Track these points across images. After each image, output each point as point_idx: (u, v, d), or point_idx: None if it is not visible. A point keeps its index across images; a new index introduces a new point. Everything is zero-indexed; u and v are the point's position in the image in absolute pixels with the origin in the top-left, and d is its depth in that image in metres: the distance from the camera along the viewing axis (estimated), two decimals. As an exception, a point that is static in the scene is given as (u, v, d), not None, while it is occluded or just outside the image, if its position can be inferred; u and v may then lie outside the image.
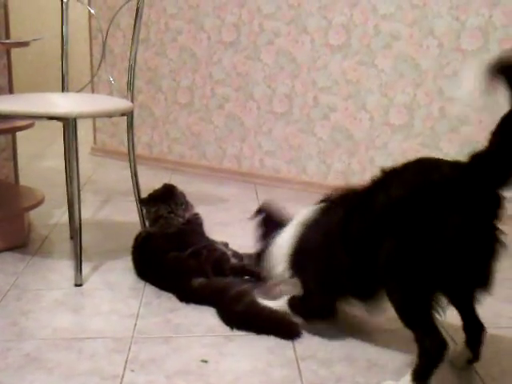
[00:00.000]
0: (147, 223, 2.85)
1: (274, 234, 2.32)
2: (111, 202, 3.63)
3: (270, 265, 2.32)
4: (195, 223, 2.77)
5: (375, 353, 2.08)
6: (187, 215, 2.78)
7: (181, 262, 2.50)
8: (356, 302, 2.10)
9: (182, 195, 2.86)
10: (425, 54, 3.43)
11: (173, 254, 2.52)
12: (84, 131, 4.61)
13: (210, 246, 2.61)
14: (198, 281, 2.44)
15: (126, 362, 2.03)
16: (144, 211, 2.89)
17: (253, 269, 2.56)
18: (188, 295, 2.44)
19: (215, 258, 2.53)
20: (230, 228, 3.20)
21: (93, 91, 4.66)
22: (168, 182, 2.93)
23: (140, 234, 2.74)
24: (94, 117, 3.12)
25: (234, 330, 2.23)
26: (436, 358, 1.79)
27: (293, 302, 2.25)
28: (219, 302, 2.35)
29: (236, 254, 2.68)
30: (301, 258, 2.20)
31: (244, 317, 2.26)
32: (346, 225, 2.00)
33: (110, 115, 2.74)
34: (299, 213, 2.29)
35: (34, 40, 3.03)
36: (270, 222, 2.41)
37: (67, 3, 3.01)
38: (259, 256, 2.40)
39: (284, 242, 2.26)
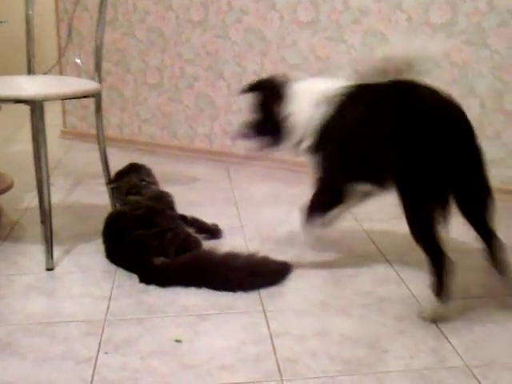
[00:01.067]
0: (118, 204, 2.85)
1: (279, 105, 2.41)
2: (82, 185, 3.61)
3: (292, 135, 2.40)
4: (166, 201, 2.78)
5: (348, 327, 2.09)
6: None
7: (143, 241, 2.49)
8: (365, 185, 2.34)
9: (149, 170, 2.92)
10: (394, 29, 3.42)
11: (137, 233, 2.51)
12: (53, 114, 4.57)
13: (176, 227, 2.59)
14: (161, 259, 2.43)
15: (100, 344, 2.02)
16: (114, 192, 2.88)
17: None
18: (149, 275, 2.43)
19: (180, 242, 2.52)
20: (202, 207, 3.18)
21: (61, 73, 4.60)
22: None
23: (111, 213, 2.74)
24: (60, 99, 3.09)
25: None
26: (444, 270, 2.12)
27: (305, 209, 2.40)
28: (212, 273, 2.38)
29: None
30: (328, 138, 2.32)
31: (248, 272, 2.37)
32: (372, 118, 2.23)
33: (76, 97, 2.71)
34: (312, 86, 2.42)
35: (1, 22, 2.99)
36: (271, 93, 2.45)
37: (31, -16, 2.96)
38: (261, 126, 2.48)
39: (312, 116, 2.34)
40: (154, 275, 2.41)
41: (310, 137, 2.35)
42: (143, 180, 2.82)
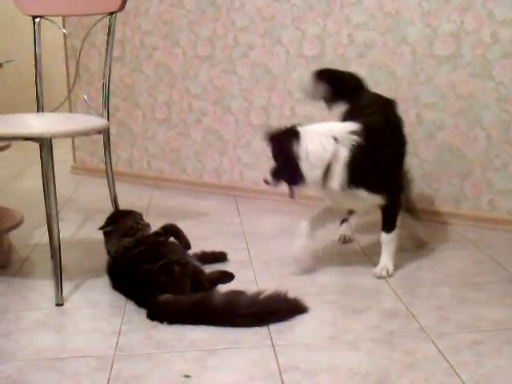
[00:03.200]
0: (110, 248, 2.80)
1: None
2: (91, 220, 3.62)
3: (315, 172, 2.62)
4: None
5: (357, 362, 2.08)
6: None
7: (150, 277, 2.50)
8: None
9: (141, 214, 2.93)
10: (399, 62, 3.45)
11: (143, 268, 2.52)
12: (63, 150, 4.61)
13: (181, 259, 2.60)
14: (165, 297, 2.43)
15: (109, 380, 2.02)
16: (108, 236, 2.83)
17: (225, 270, 2.73)
18: (155, 311, 2.43)
19: (191, 274, 2.53)
20: (210, 242, 3.19)
21: (70, 110, 4.65)
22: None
23: (116, 245, 2.75)
24: (68, 136, 3.11)
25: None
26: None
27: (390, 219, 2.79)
28: (229, 311, 2.36)
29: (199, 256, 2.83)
30: (368, 167, 2.64)
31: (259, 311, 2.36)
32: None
33: (85, 134, 2.74)
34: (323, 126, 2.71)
35: (7, 62, 3.03)
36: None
37: (39, 24, 3.00)
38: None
39: (333, 153, 2.60)
40: (160, 312, 2.41)
41: (340, 172, 2.61)
42: (139, 223, 2.82)
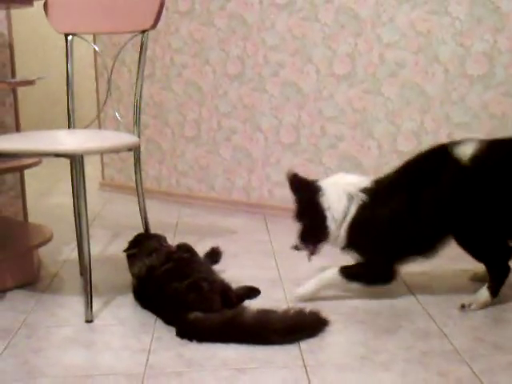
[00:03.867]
0: (133, 271, 2.81)
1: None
2: (120, 236, 3.62)
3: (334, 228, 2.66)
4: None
5: (390, 382, 2.05)
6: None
7: (179, 296, 2.48)
8: (416, 258, 2.65)
9: (165, 237, 2.94)
10: (431, 81, 3.43)
11: (172, 286, 2.51)
12: (92, 166, 4.63)
13: (209, 276, 2.59)
14: (195, 315, 2.41)
15: (139, 398, 2.01)
16: (131, 259, 2.84)
17: (252, 286, 2.75)
18: (185, 330, 2.41)
19: (220, 290, 2.52)
20: (239, 260, 3.18)
21: (100, 127, 4.68)
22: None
23: (141, 266, 2.74)
24: (100, 153, 3.12)
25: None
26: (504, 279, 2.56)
27: (350, 271, 2.63)
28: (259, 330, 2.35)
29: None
30: (365, 229, 2.63)
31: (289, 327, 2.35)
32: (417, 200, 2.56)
33: (116, 151, 2.74)
34: (339, 181, 2.72)
35: (39, 79, 3.05)
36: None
37: (72, 41, 3.02)
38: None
39: (343, 211, 2.64)
40: (191, 330, 2.39)
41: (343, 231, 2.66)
42: (162, 245, 2.84)
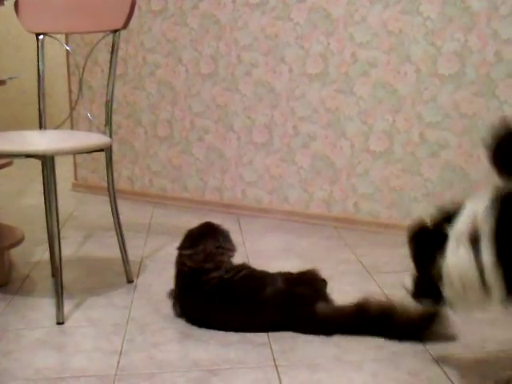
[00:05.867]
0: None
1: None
2: (93, 237, 3.60)
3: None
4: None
5: (362, 382, 2.06)
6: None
7: (283, 296, 2.42)
8: None
9: (227, 232, 2.68)
10: (402, 80, 3.44)
11: (269, 290, 2.43)
12: (65, 167, 4.60)
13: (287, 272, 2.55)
14: (322, 307, 2.40)
15: (110, 400, 2.00)
16: (186, 259, 2.56)
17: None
18: (313, 324, 2.39)
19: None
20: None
21: (72, 127, 4.65)
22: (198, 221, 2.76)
23: (208, 277, 2.49)
24: (71, 154, 3.09)
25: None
26: None
27: None
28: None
29: None
30: None
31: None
32: None
33: (87, 151, 2.72)
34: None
35: (10, 79, 3.03)
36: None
37: (43, 41, 3.00)
38: None
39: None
40: (319, 324, 2.38)
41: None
42: (220, 247, 2.58)
